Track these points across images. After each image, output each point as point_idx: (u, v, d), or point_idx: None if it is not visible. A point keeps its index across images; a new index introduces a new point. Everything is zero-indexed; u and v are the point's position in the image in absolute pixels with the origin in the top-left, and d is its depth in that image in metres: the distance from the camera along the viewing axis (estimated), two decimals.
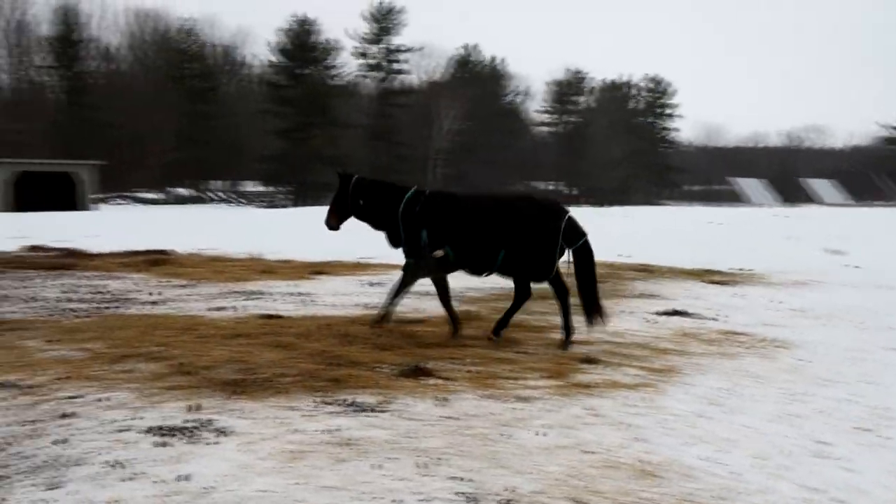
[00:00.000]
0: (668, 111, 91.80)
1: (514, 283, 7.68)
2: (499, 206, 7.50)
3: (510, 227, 7.29)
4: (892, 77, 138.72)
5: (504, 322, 7.62)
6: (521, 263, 7.40)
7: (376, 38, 77.11)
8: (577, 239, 7.38)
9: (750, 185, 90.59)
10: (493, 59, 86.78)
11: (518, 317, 7.86)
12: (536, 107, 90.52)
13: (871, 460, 4.52)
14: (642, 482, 4.04)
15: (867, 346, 7.81)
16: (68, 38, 66.11)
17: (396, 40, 77.52)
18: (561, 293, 7.43)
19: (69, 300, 9.71)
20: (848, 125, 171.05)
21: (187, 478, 3.85)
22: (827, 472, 4.28)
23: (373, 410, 5.10)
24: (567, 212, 7.48)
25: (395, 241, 7.70)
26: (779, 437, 4.86)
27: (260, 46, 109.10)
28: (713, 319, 9.21)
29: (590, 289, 7.45)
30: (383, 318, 7.78)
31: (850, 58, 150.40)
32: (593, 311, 7.43)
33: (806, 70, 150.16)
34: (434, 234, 7.41)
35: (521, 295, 7.66)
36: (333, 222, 7.91)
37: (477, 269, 7.56)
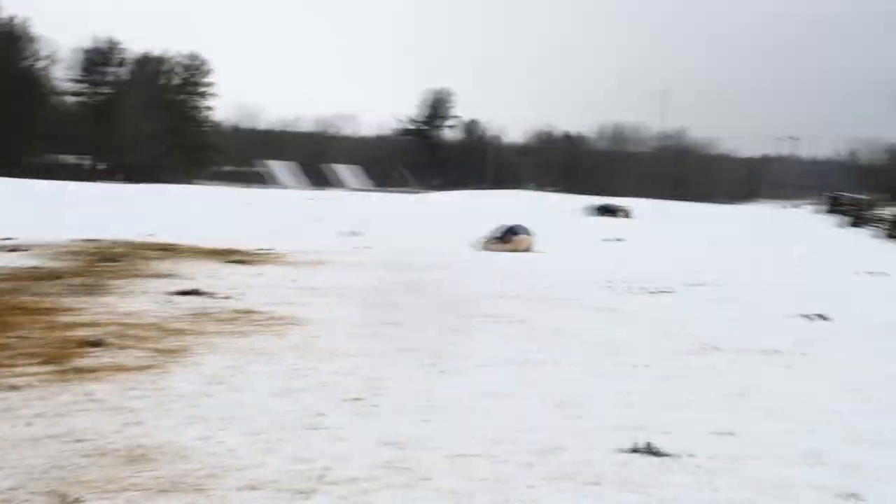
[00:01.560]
0: (203, 89, 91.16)
1: None
2: None
3: None
4: (414, 73, 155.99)
5: None
6: None
7: None
8: None
9: (281, 168, 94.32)
10: (13, 18, 76.98)
11: (17, 298, 7.17)
12: (64, 75, 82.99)
13: (360, 427, 5.03)
14: (133, 467, 3.97)
15: (367, 322, 8.69)
16: None
17: None
18: None
19: None
20: (374, 116, 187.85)
21: None
22: (318, 443, 4.66)
23: None
24: None
25: None
26: (278, 413, 5.15)
27: None
28: (230, 298, 9.42)
29: None
30: None
31: (378, 49, 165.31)
32: None
33: (341, 59, 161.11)
34: None
35: None
36: None
37: None
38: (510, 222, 19.93)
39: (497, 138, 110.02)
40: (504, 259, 16.09)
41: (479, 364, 7.02)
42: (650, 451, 4.88)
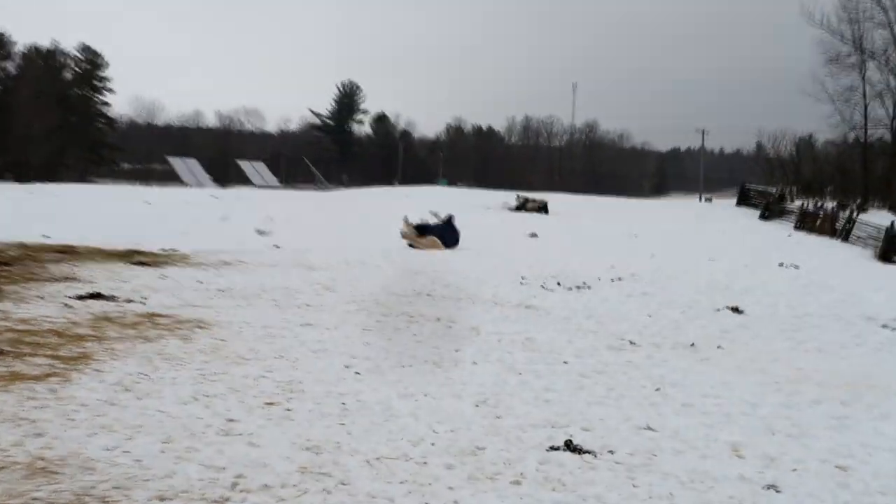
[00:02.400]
0: (98, 84, 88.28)
1: None
2: None
3: None
4: (322, 67, 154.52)
5: None
6: None
7: None
8: None
9: (184, 166, 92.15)
10: None
11: None
12: None
13: (274, 433, 4.97)
14: (35, 481, 3.83)
15: (282, 324, 8.59)
16: None
17: None
18: None
19: None
20: (280, 111, 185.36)
21: None
22: (232, 450, 4.58)
23: None
24: None
25: None
26: (188, 420, 5.04)
27: None
28: (133, 302, 9.15)
29: None
30: None
31: (284, 42, 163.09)
32: None
33: (247, 54, 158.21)
34: None
35: None
36: None
37: None
38: (444, 216, 20.26)
39: (408, 133, 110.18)
40: (417, 257, 16.13)
41: (394, 364, 7.03)
42: (571, 448, 4.98)
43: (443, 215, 20.62)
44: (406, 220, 19.63)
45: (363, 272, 13.40)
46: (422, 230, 19.20)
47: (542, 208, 36.32)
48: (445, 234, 19.16)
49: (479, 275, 13.76)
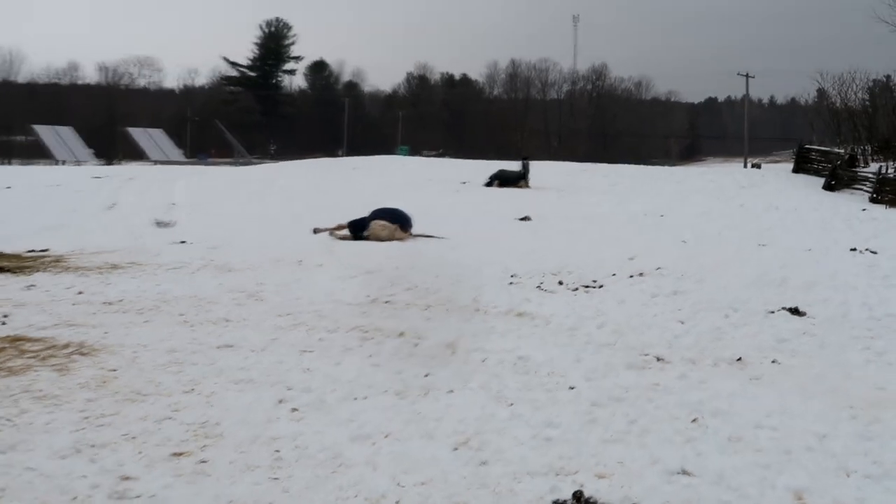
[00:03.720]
0: None
1: None
2: None
3: None
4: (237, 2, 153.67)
5: None
6: None
7: None
8: None
9: (55, 136, 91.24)
10: None
11: None
12: None
13: (187, 494, 4.94)
14: None
15: (193, 346, 8.53)
16: None
17: None
18: None
19: None
20: (183, 60, 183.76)
21: None
22: None
23: None
24: None
25: None
26: (69, 479, 5.00)
27: None
28: None
29: None
30: None
31: None
32: None
33: None
34: None
35: None
36: None
37: None
38: (384, 206, 19.84)
39: (355, 86, 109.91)
40: (370, 252, 16.07)
41: (344, 397, 7.00)
42: (581, 502, 4.98)
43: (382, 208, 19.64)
44: (333, 231, 19.06)
45: (299, 274, 13.35)
46: (356, 227, 18.64)
47: (518, 179, 35.82)
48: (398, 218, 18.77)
49: (453, 273, 13.75)
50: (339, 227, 18.78)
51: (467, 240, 18.58)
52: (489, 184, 35.81)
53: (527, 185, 35.41)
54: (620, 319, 10.59)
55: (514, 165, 38.16)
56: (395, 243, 17.64)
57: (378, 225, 18.31)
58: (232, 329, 9.46)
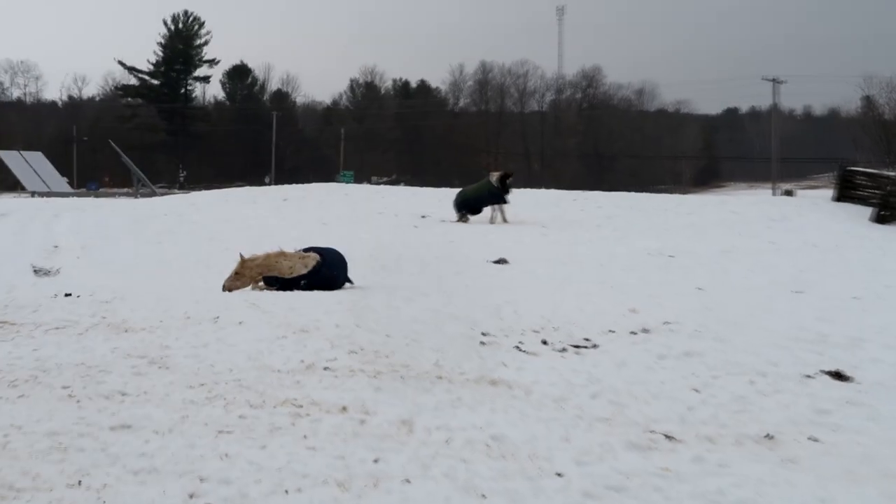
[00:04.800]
0: None
1: None
2: None
3: None
4: None
5: None
6: None
7: None
8: None
9: None
10: None
11: None
12: None
13: None
14: None
15: (80, 427, 8.45)
16: None
17: None
18: None
19: None
20: (69, 64, 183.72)
21: None
22: None
23: None
24: None
25: None
26: None
27: None
28: None
29: None
30: None
31: None
32: None
33: None
34: None
35: None
36: None
37: None
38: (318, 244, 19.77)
39: (285, 97, 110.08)
40: (300, 305, 15.96)
41: (271, 489, 6.99)
42: None
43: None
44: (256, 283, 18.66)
45: (215, 334, 13.28)
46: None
47: (496, 199, 35.63)
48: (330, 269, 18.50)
49: (409, 330, 13.74)
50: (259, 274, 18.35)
51: (428, 289, 18.59)
52: (462, 217, 35.68)
53: (503, 219, 35.37)
54: (620, 387, 10.62)
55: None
56: (337, 294, 17.60)
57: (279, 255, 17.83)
58: (130, 405, 9.39)
